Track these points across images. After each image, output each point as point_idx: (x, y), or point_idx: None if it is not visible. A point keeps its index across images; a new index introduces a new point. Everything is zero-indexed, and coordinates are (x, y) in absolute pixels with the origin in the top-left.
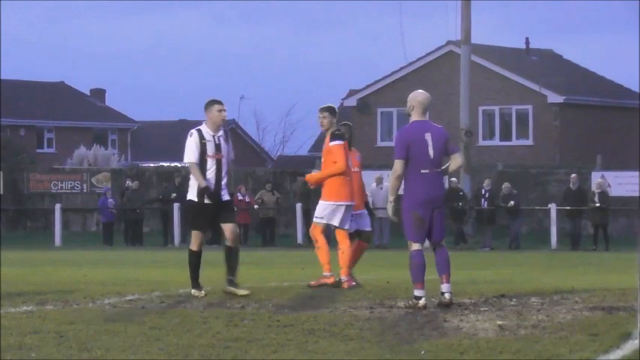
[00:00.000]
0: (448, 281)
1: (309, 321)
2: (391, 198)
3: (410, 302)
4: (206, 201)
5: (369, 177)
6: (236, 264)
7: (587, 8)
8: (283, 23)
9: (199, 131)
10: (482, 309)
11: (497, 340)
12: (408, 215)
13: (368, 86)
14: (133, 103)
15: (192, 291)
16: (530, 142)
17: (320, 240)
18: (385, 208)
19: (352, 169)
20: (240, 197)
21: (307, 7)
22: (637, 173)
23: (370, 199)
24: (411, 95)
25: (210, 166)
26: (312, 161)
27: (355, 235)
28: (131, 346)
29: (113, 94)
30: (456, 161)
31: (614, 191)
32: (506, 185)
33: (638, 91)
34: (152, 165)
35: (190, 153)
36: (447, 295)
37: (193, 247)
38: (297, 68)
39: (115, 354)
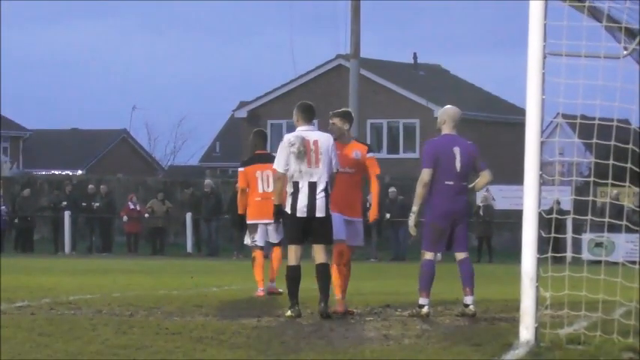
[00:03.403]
0: (472, 293)
1: (197, 329)
2: (415, 208)
3: (414, 310)
4: None
5: None
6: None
7: (476, 26)
8: (176, 34)
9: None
10: (367, 319)
11: (382, 350)
12: (427, 226)
13: (258, 98)
14: (26, 112)
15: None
16: (417, 154)
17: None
18: None
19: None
20: (131, 206)
21: (202, 19)
22: (521, 187)
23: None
24: (441, 110)
25: None
26: (202, 171)
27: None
28: (20, 353)
29: (5, 102)
30: (484, 178)
31: (499, 204)
32: (392, 190)
33: (523, 107)
34: (44, 173)
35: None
36: (471, 307)
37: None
38: (188, 79)
39: None
